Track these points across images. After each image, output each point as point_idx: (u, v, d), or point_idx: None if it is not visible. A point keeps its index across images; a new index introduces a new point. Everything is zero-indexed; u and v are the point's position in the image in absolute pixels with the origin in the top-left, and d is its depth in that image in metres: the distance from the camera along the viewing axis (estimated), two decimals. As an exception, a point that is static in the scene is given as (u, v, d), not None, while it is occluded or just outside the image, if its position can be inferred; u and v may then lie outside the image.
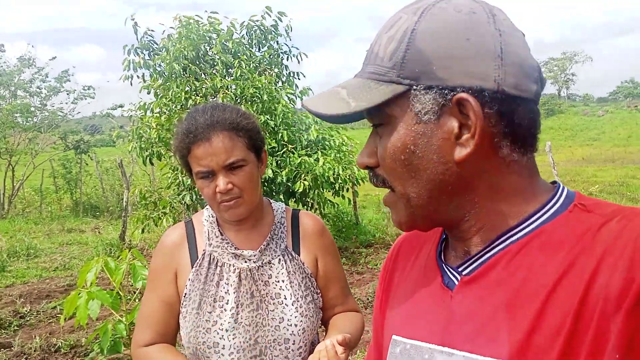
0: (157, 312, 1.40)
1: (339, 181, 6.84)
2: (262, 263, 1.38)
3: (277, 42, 7.66)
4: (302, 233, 1.46)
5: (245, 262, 1.38)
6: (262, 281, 1.37)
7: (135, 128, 7.19)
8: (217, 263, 1.38)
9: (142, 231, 7.08)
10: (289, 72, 7.75)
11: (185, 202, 6.85)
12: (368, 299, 5.48)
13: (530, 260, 0.68)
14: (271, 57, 7.58)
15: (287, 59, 7.76)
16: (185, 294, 1.37)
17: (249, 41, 7.54)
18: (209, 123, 1.29)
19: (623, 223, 0.64)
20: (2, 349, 4.58)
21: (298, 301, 1.37)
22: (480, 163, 0.70)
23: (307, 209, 7.25)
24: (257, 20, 7.48)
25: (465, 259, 0.75)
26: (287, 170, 6.33)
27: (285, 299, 1.36)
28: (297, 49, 7.73)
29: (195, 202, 6.73)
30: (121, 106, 16.97)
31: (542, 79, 0.72)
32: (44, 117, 15.99)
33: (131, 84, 7.42)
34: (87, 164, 15.54)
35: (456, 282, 0.76)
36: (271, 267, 1.39)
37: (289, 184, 6.44)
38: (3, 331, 5.11)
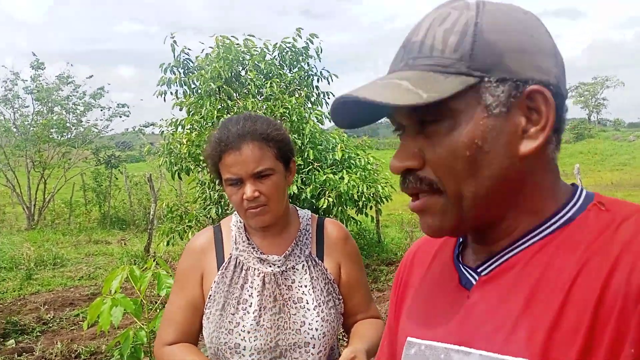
0: (182, 312, 1.43)
1: (363, 199, 6.83)
2: (286, 268, 1.41)
3: (308, 63, 7.76)
4: (327, 240, 1.49)
5: (270, 266, 1.41)
6: (285, 285, 1.39)
7: (166, 143, 7.33)
8: (242, 267, 1.41)
9: (167, 243, 7.16)
10: (319, 93, 7.83)
11: (210, 216, 6.92)
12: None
13: (549, 259, 0.67)
14: (301, 78, 7.69)
15: (318, 80, 7.85)
16: (210, 295, 1.40)
17: (281, 62, 7.66)
18: (240, 133, 1.34)
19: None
20: (24, 353, 4.66)
21: (320, 306, 1.38)
22: (536, 159, 0.70)
23: (330, 227, 7.22)
24: (289, 42, 7.61)
25: (485, 260, 0.75)
26: (311, 187, 6.36)
27: (308, 303, 1.38)
28: (328, 71, 7.82)
29: (221, 216, 6.78)
30: (152, 124, 17.35)
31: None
32: (79, 132, 16.41)
33: (164, 100, 7.60)
34: (116, 179, 15.86)
35: (474, 282, 0.75)
36: (295, 272, 1.42)
37: (313, 200, 6.45)
38: (26, 336, 5.19)
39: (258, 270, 1.40)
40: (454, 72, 0.66)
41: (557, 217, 0.70)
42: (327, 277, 1.44)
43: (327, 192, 6.40)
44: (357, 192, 6.49)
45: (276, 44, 7.66)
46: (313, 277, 1.41)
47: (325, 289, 1.42)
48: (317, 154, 6.78)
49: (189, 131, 7.09)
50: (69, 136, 16.20)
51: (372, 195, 6.89)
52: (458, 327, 0.73)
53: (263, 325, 1.35)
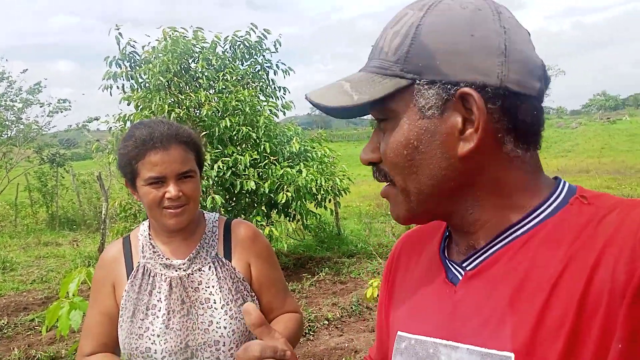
0: (98, 324, 1.48)
1: (322, 192, 6.88)
2: (192, 271, 1.46)
3: (264, 56, 7.70)
4: (234, 240, 1.54)
5: (176, 271, 1.46)
6: (192, 288, 1.44)
7: (114, 140, 7.14)
8: (150, 274, 1.46)
9: (123, 243, 6.98)
10: (274, 86, 7.79)
11: (166, 214, 6.79)
12: (352, 307, 5.50)
13: (533, 254, 0.68)
14: (255, 71, 7.62)
15: (275, 74, 7.81)
16: (122, 304, 1.45)
17: (233, 55, 7.57)
18: (169, 133, 1.40)
19: (623, 215, 0.65)
20: (-21, 362, 4.48)
21: (228, 304, 1.44)
22: (483, 158, 0.70)
23: (289, 220, 7.26)
24: (242, 36, 7.53)
25: (469, 254, 0.76)
26: (269, 181, 6.35)
27: (215, 303, 1.43)
28: (284, 64, 7.79)
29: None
30: (96, 119, 16.81)
31: (546, 77, 0.73)
32: (19, 130, 15.72)
33: (110, 94, 7.38)
34: (63, 177, 15.30)
35: (460, 277, 0.76)
36: (201, 274, 1.47)
37: (271, 195, 6.45)
38: (-21, 345, 4.98)
39: (164, 275, 1.45)
40: (390, 74, 0.70)
41: (538, 211, 0.71)
42: (236, 276, 1.48)
43: (285, 187, 6.40)
44: (316, 186, 6.53)
45: (227, 36, 7.56)
46: (220, 277, 1.46)
47: (234, 288, 1.46)
48: (273, 146, 6.77)
49: (139, 128, 6.91)
50: (8, 134, 15.51)
51: (330, 188, 6.94)
52: (446, 322, 0.75)
53: (172, 328, 1.40)
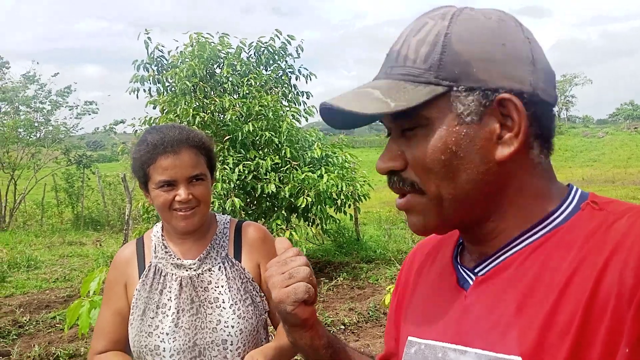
0: (110, 323, 1.51)
1: (342, 197, 6.88)
2: (202, 271, 1.48)
3: (286, 61, 7.77)
4: (245, 241, 1.56)
5: (186, 270, 1.48)
6: (201, 287, 1.46)
7: (140, 142, 7.25)
8: (161, 273, 1.49)
9: (144, 244, 7.08)
10: (297, 91, 7.85)
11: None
12: (369, 312, 5.47)
13: (544, 259, 0.69)
14: (278, 76, 7.69)
15: (296, 79, 7.87)
16: (133, 303, 1.48)
17: (257, 61, 7.64)
18: (179, 138, 1.43)
19: (632, 220, 0.65)
20: (1, 357, 4.57)
21: (236, 304, 1.45)
22: (515, 164, 0.71)
23: (308, 224, 7.27)
24: (266, 42, 7.60)
25: (481, 260, 0.77)
26: (290, 185, 6.37)
27: (224, 302, 1.45)
28: (307, 69, 7.84)
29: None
30: (122, 122, 17.11)
31: (555, 87, 0.76)
32: (48, 132, 16.10)
33: (137, 97, 7.53)
34: (89, 179, 15.60)
35: (471, 283, 0.77)
36: (211, 274, 1.49)
37: (291, 199, 6.47)
38: (2, 340, 5.10)
39: (175, 275, 1.48)
40: (423, 81, 0.69)
41: (551, 219, 0.72)
42: (245, 277, 1.51)
43: (305, 191, 6.42)
44: (336, 191, 6.53)
45: (252, 42, 7.65)
46: (229, 277, 1.48)
47: (243, 288, 1.49)
48: (294, 152, 6.80)
49: (163, 131, 7.02)
50: (38, 136, 15.89)
51: (350, 193, 6.94)
52: (455, 326, 0.76)
53: (181, 326, 1.42)
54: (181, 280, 1.47)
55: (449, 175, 0.71)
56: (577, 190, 0.76)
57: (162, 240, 1.53)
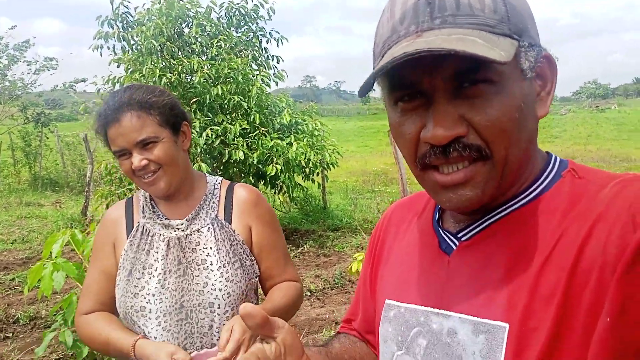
0: (98, 283, 1.47)
1: (310, 165, 6.85)
2: (190, 231, 1.45)
3: (257, 24, 7.58)
4: (236, 203, 1.52)
5: (174, 231, 1.45)
6: (189, 249, 1.43)
7: (103, 102, 7.02)
8: (149, 233, 1.45)
9: (107, 207, 6.94)
10: (267, 55, 7.68)
11: (152, 179, 6.74)
12: (334, 280, 5.53)
13: (528, 227, 0.69)
14: (248, 39, 7.50)
15: (268, 42, 7.69)
16: (120, 263, 1.45)
17: (228, 22, 7.43)
18: (117, 105, 1.35)
19: (617, 189, 0.65)
20: (-43, 319, 4.45)
21: (224, 267, 1.42)
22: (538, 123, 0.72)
23: (275, 192, 7.24)
24: (238, 3, 7.38)
25: (465, 225, 0.76)
26: (258, 152, 6.30)
27: (212, 264, 1.42)
28: (278, 32, 7.66)
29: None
30: (83, 80, 16.51)
31: None
32: (4, 87, 15.44)
33: (101, 55, 7.24)
34: (47, 138, 15.10)
35: (454, 247, 0.76)
36: (200, 235, 1.45)
37: (259, 166, 6.41)
38: (-43, 302, 4.95)
39: (163, 235, 1.44)
40: (500, 33, 0.64)
41: (535, 185, 0.72)
42: (235, 239, 1.47)
43: (274, 159, 6.37)
44: (305, 159, 6.49)
45: (222, 2, 7.42)
46: (218, 239, 1.45)
47: (232, 250, 1.45)
48: (263, 118, 6.71)
49: (128, 90, 6.80)
50: (-7, 91, 15.23)
51: (319, 161, 6.92)
52: (438, 291, 0.76)
53: (168, 288, 1.39)
54: (169, 240, 1.43)
55: (518, 134, 0.67)
56: (556, 157, 0.76)
57: (150, 200, 1.49)
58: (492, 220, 0.73)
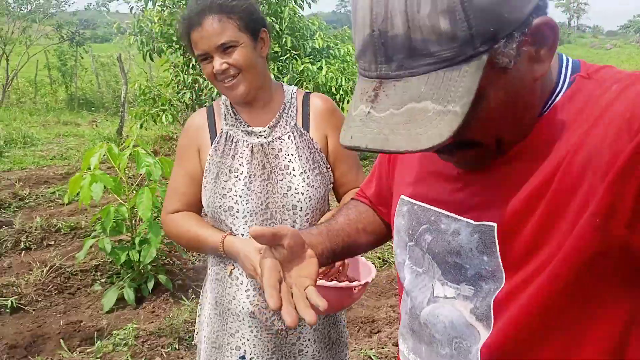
0: (183, 184, 1.57)
1: (340, 92, 6.80)
2: (272, 138, 1.50)
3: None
4: (312, 112, 1.56)
5: (257, 137, 1.50)
6: (272, 155, 1.49)
7: (135, 21, 7.01)
8: (232, 139, 1.51)
9: (141, 126, 7.10)
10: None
11: (184, 101, 6.83)
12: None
13: (538, 138, 0.71)
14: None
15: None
16: (206, 167, 1.52)
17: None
18: (199, 9, 1.39)
19: (618, 91, 0.66)
20: (4, 227, 4.73)
21: (305, 173, 1.48)
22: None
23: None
24: None
25: None
26: (289, 76, 6.28)
27: (294, 170, 1.48)
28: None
29: (195, 101, 6.70)
30: (117, -1, 16.37)
31: None
32: (38, 4, 15.47)
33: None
34: (82, 58, 15.23)
35: None
36: (281, 142, 1.50)
37: (290, 90, 6.38)
38: (3, 211, 5.25)
39: (246, 142, 1.50)
40: (462, 60, 0.59)
41: (549, 97, 0.73)
42: (314, 147, 1.52)
43: (304, 83, 6.34)
44: (336, 85, 6.45)
45: None
46: (299, 146, 1.50)
47: (311, 158, 1.51)
48: (295, 41, 6.62)
49: (160, 8, 6.76)
50: (28, 9, 15.27)
51: (350, 88, 6.86)
52: (452, 196, 0.80)
53: (253, 190, 1.46)
54: (252, 146, 1.49)
55: (509, 121, 0.69)
56: (567, 60, 0.76)
57: (232, 107, 1.55)
58: None
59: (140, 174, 3.41)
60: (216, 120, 1.55)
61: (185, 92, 6.74)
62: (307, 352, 1.54)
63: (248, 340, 1.53)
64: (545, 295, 0.68)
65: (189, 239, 1.52)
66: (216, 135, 1.53)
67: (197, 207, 1.57)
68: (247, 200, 1.46)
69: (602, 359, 0.70)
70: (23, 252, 4.30)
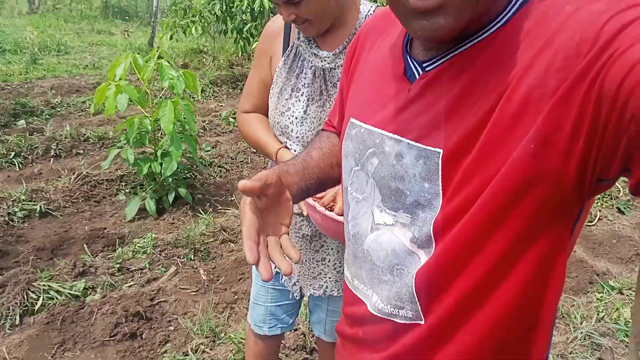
0: (256, 88, 1.59)
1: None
2: (335, 65, 1.44)
3: None
4: None
5: (321, 61, 1.45)
6: (331, 82, 1.44)
7: None
8: (300, 57, 1.48)
9: (170, 38, 7.01)
10: None
11: (215, 12, 6.67)
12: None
13: (486, 59, 0.68)
14: None
15: None
16: (275, 78, 1.51)
17: None
18: None
19: (569, 12, 0.62)
20: (35, 133, 4.85)
21: None
22: None
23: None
24: None
25: (433, 56, 0.75)
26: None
27: None
28: None
29: (225, 13, 6.55)
30: None
31: None
32: None
33: None
34: (117, -36, 14.92)
35: (417, 76, 0.77)
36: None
37: None
38: (35, 118, 5.36)
39: (311, 63, 1.46)
40: None
41: (504, 13, 0.69)
42: None
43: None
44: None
45: None
46: None
47: None
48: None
49: None
50: None
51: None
52: (396, 117, 0.78)
53: (309, 114, 1.45)
54: (315, 69, 1.46)
55: None
56: None
57: None
58: (455, 52, 0.71)
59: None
60: (292, 31, 1.51)
61: (215, 3, 6.57)
62: (329, 260, 1.57)
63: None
64: (477, 222, 0.68)
65: (253, 141, 1.58)
66: (289, 46, 1.50)
67: (267, 111, 1.59)
68: (302, 123, 1.45)
69: (526, 289, 0.70)
70: (52, 159, 4.42)
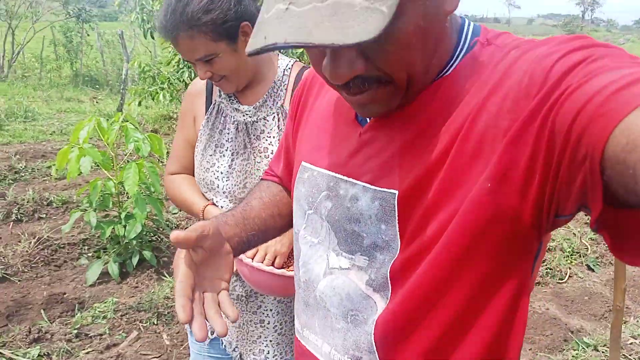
0: (182, 149, 1.60)
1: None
2: (257, 118, 1.47)
3: None
4: None
5: (243, 116, 1.48)
6: (254, 135, 1.46)
7: (138, -2, 6.97)
8: (222, 113, 1.51)
9: (139, 104, 7.09)
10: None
11: (183, 80, 6.80)
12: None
13: (434, 103, 0.70)
14: None
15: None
16: (199, 136, 1.53)
17: None
18: (169, 27, 1.30)
19: (516, 56, 0.64)
20: (-3, 198, 4.75)
21: None
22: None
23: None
24: None
25: None
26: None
27: (272, 153, 1.44)
28: None
29: (193, 79, 6.67)
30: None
31: None
32: (46, -20, 15.39)
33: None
34: (88, 35, 15.19)
35: (368, 120, 0.78)
36: (265, 123, 1.47)
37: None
38: (-2, 183, 5.26)
39: (233, 118, 1.49)
40: None
41: (447, 65, 0.71)
42: None
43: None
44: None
45: None
46: (281, 128, 1.46)
47: None
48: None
49: (162, -14, 6.72)
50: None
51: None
52: (349, 160, 0.79)
53: (234, 168, 1.46)
54: (237, 124, 1.48)
55: (421, 52, 0.65)
56: (469, 24, 0.74)
57: None
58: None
59: (130, 150, 3.40)
60: (214, 90, 1.54)
61: (184, 71, 6.71)
62: (269, 322, 1.51)
63: None
64: (440, 265, 0.67)
65: (180, 201, 1.58)
66: (211, 104, 1.53)
67: (193, 171, 1.59)
68: (228, 177, 1.46)
69: (492, 331, 0.69)
70: (12, 223, 4.32)
